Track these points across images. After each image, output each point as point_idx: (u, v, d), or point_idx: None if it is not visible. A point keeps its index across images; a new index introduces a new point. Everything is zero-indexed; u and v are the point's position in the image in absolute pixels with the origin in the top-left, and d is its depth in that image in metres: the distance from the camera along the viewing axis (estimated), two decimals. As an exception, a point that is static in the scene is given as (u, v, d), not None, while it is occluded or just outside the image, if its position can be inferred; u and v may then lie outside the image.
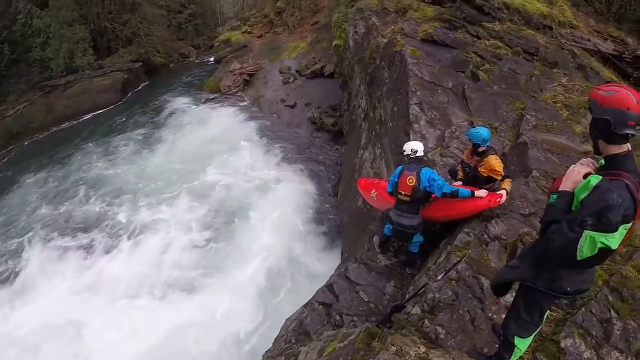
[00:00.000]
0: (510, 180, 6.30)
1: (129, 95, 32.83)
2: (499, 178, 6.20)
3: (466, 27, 12.37)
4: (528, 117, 9.22)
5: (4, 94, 30.53)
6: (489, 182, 6.33)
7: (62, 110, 30.11)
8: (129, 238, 15.13)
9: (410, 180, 6.18)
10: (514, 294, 3.65)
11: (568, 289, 3.12)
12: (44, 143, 27.15)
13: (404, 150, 6.57)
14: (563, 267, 3.07)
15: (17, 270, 14.63)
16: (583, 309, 4.56)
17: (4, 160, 25.89)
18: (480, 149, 6.28)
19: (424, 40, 11.87)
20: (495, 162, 6.14)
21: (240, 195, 16.95)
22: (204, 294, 12.03)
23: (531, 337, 3.62)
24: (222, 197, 17.01)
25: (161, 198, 17.39)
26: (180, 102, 28.60)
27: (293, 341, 6.97)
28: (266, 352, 7.66)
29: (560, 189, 3.01)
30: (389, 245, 7.64)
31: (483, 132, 6.20)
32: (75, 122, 29.49)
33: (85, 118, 29.83)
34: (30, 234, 16.68)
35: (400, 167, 6.48)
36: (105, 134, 26.06)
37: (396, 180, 6.40)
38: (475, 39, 12.18)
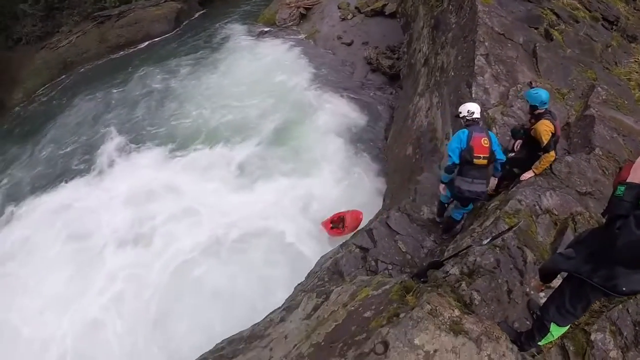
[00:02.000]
0: (551, 155, 5.96)
1: (182, 25, 32.70)
2: (542, 144, 5.88)
3: (544, -21, 11.44)
4: (599, 89, 8.58)
5: (57, 25, 31.22)
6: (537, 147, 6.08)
7: (115, 40, 30.61)
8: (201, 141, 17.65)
9: (485, 142, 5.83)
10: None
11: (624, 288, 2.96)
12: (100, 70, 28.26)
13: (460, 112, 6.22)
14: (623, 265, 2.91)
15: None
16: (620, 306, 4.45)
17: (59, 87, 27.32)
18: (537, 112, 5.95)
19: (497, -12, 11.10)
20: (542, 128, 5.79)
21: (292, 118, 17.95)
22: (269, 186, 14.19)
23: (567, 327, 3.59)
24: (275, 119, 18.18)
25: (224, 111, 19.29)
26: (235, 33, 28.24)
27: (326, 279, 7.25)
28: (299, 284, 8.00)
29: (629, 180, 2.76)
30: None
31: (541, 93, 5.87)
32: (129, 51, 30.15)
33: (138, 47, 30.34)
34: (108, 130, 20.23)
35: (464, 132, 5.95)
36: (161, 60, 26.77)
37: (465, 145, 5.85)
38: (553, -6, 11.27)
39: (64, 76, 28.48)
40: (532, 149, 6.15)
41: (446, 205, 7.12)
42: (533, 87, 6.30)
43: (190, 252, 12.33)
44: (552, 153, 5.92)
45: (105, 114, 22.15)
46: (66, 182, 17.37)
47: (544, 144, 5.80)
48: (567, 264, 3.28)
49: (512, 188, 6.25)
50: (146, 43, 30.51)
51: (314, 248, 11.59)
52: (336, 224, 12.09)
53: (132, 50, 30.08)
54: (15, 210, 16.59)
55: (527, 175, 6.13)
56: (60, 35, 30.69)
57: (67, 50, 29.69)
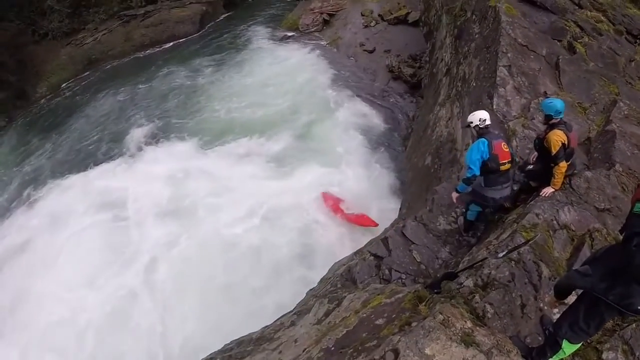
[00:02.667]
0: (562, 167, 5.81)
1: (207, 27, 33.25)
2: (552, 155, 5.79)
3: (568, -9, 11.36)
4: (621, 104, 8.44)
5: (83, 22, 31.97)
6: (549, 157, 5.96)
7: (140, 39, 31.32)
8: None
9: (505, 146, 5.90)
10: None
11: (639, 307, 2.94)
12: (125, 67, 29.05)
13: (471, 122, 6.13)
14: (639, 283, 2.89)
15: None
16: (634, 325, 4.37)
17: (84, 82, 28.14)
18: (552, 121, 5.85)
19: (522, -1, 11.05)
20: (553, 138, 5.69)
21: (316, 118, 18.51)
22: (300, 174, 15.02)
23: (579, 345, 3.56)
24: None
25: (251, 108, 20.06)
26: (258, 36, 28.63)
27: (339, 286, 7.27)
28: (310, 289, 8.05)
29: None
30: (476, 228, 7.32)
31: (556, 103, 5.79)
32: (153, 50, 30.85)
33: (163, 47, 31.02)
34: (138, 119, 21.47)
35: (483, 142, 5.86)
36: (186, 60, 27.44)
37: (488, 155, 5.81)
38: (576, 7, 11.05)
39: (88, 72, 29.26)
40: (547, 160, 6.04)
41: (474, 221, 7.07)
42: (548, 97, 6.14)
43: (230, 226, 13.10)
44: (564, 163, 5.79)
45: (132, 107, 22.97)
46: (98, 164, 18.31)
47: (553, 153, 5.70)
48: (583, 281, 3.25)
49: (530, 201, 6.19)
50: (171, 44, 31.16)
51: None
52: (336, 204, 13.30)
53: (156, 50, 30.77)
54: (50, 186, 17.59)
55: (548, 191, 5.99)
56: (86, 32, 31.45)
57: (92, 47, 30.46)
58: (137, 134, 19.82)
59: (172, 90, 23.71)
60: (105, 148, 19.71)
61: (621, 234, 2.97)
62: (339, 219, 13.01)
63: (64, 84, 28.38)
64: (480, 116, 6.03)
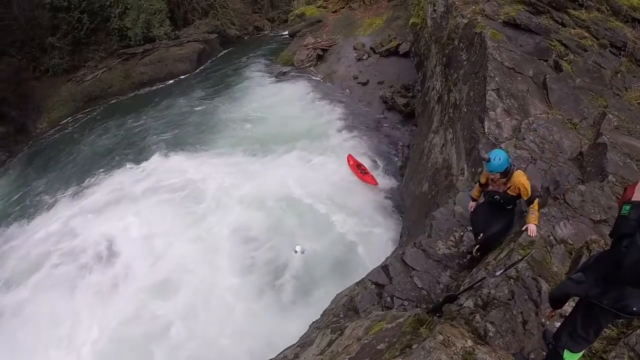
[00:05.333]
0: (538, 201, 5.62)
1: (205, 64, 34.38)
2: (525, 197, 5.61)
3: (551, 12, 11.49)
4: (610, 116, 8.55)
5: (83, 60, 33.29)
6: (518, 199, 5.82)
7: (139, 77, 32.41)
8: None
9: None
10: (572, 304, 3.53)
11: (634, 308, 2.90)
12: (125, 104, 29.93)
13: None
14: (633, 285, 2.86)
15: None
16: (639, 331, 4.29)
17: (85, 119, 28.92)
18: (504, 171, 5.58)
19: (506, 24, 11.20)
20: (523, 179, 5.57)
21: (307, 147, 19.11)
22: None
23: (581, 353, 3.49)
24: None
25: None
26: (255, 74, 29.51)
27: (341, 316, 7.19)
28: (314, 322, 7.96)
29: (633, 199, 2.77)
30: None
31: (502, 156, 5.48)
32: (152, 88, 31.88)
33: (162, 85, 32.00)
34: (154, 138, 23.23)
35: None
36: (185, 94, 28.62)
37: None
38: (559, 26, 11.30)
39: (88, 109, 30.11)
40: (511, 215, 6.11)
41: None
42: (489, 160, 5.54)
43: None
44: (536, 200, 5.60)
45: (128, 143, 23.78)
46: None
47: (530, 195, 5.55)
48: (576, 288, 3.23)
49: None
50: (170, 81, 32.21)
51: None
52: (360, 169, 16.94)
53: (155, 87, 31.80)
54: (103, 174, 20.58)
55: (534, 229, 5.50)
56: (86, 69, 32.67)
57: (92, 84, 31.53)
58: (131, 172, 20.44)
59: (170, 125, 24.59)
60: (101, 183, 20.29)
61: (611, 237, 2.98)
62: (352, 172, 16.83)
63: (64, 120, 29.12)
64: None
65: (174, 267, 13.88)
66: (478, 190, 6.39)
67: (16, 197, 21.26)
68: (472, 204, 6.63)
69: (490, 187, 6.01)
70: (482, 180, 6.18)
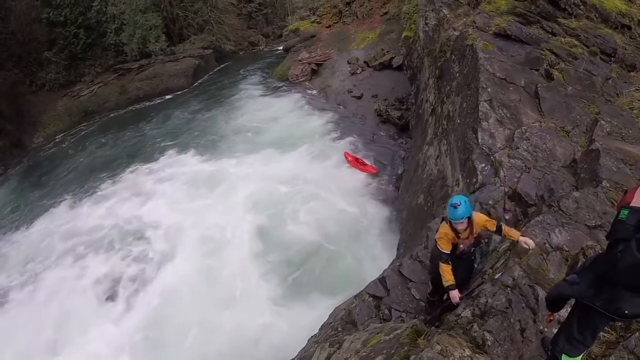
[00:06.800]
0: (503, 223, 5.37)
1: (200, 80, 34.64)
2: (493, 229, 5.28)
3: (541, 22, 11.67)
4: (602, 122, 8.63)
5: (79, 75, 33.67)
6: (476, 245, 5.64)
7: (135, 92, 32.70)
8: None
9: None
10: (569, 309, 3.51)
11: (626, 311, 2.89)
12: (121, 119, 30.18)
13: None
14: (626, 288, 2.85)
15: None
16: (637, 334, 4.26)
17: (81, 133, 29.06)
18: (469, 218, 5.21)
19: (497, 35, 11.34)
20: (483, 217, 5.38)
21: (302, 171, 18.87)
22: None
23: (579, 358, 3.46)
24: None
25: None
26: (250, 88, 29.82)
27: (339, 329, 7.17)
28: (312, 336, 7.92)
29: (632, 205, 2.77)
30: None
31: (463, 202, 5.08)
32: (148, 103, 32.10)
33: (159, 100, 32.20)
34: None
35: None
36: (182, 108, 29.11)
37: None
38: (550, 35, 11.47)
39: (85, 124, 30.23)
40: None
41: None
42: (455, 207, 5.04)
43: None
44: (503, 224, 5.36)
45: (125, 155, 24.09)
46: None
47: (494, 223, 5.30)
48: (570, 289, 3.23)
49: (522, 228, 6.19)
50: (169, 96, 32.51)
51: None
52: (358, 162, 18.20)
53: (151, 102, 32.05)
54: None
55: (529, 241, 5.10)
56: (82, 84, 32.98)
57: (88, 99, 31.81)
58: (129, 179, 21.13)
59: (167, 138, 25.03)
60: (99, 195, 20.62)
61: (607, 240, 2.98)
62: (353, 166, 18.06)
63: (60, 134, 29.23)
64: None
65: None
66: (448, 265, 5.37)
67: (16, 205, 21.64)
68: (455, 292, 5.34)
69: (461, 245, 5.43)
70: (448, 247, 5.35)
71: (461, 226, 5.17)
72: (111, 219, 17.92)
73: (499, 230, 5.26)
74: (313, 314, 10.52)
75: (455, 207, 5.01)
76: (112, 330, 12.73)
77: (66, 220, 18.76)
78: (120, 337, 12.40)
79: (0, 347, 12.98)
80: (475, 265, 6.39)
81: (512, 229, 5.34)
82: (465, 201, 5.07)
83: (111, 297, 14.05)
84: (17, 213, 20.84)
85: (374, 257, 13.29)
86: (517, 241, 5.15)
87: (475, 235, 5.39)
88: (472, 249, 5.73)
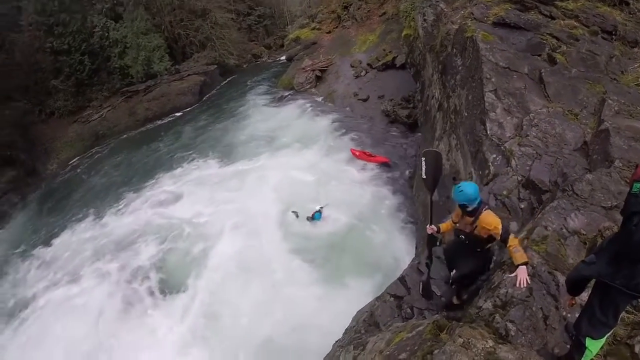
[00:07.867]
0: (514, 238, 4.87)
1: (207, 96, 35.16)
2: (498, 237, 4.94)
3: (538, 7, 11.59)
4: (610, 101, 8.49)
5: (87, 100, 34.24)
6: (490, 242, 5.30)
7: (144, 113, 33.16)
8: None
9: None
10: (589, 292, 3.47)
11: None
12: (133, 140, 30.68)
13: None
14: None
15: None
16: None
17: (95, 157, 29.57)
18: (470, 209, 5.09)
19: (496, 24, 11.29)
20: (491, 219, 4.99)
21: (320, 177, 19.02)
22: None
23: (603, 339, 3.42)
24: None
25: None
26: (258, 99, 30.21)
27: (363, 331, 7.13)
28: (336, 341, 7.91)
29: None
30: None
31: (467, 189, 5.00)
32: (159, 122, 32.61)
33: (169, 119, 32.68)
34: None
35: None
36: (193, 124, 29.58)
37: None
38: (549, 19, 11.38)
39: (97, 147, 30.74)
40: (483, 255, 5.54)
41: None
42: (457, 183, 5.17)
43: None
44: (512, 236, 4.89)
45: (142, 174, 24.24)
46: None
47: (501, 233, 4.87)
48: (589, 269, 3.22)
49: (537, 215, 6.15)
50: (177, 114, 32.94)
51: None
52: (367, 154, 18.80)
53: (160, 122, 32.52)
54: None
55: (523, 275, 4.66)
56: (91, 109, 33.51)
57: (98, 123, 32.30)
58: (154, 187, 21.76)
59: (183, 149, 25.62)
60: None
61: (622, 216, 2.96)
62: (362, 159, 18.76)
63: (74, 160, 29.75)
64: None
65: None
66: (448, 225, 5.68)
67: (38, 228, 21.97)
68: (431, 227, 5.74)
69: (458, 224, 5.48)
70: (455, 218, 5.54)
71: (457, 211, 5.35)
72: (143, 221, 18.61)
73: (503, 242, 4.88)
74: (350, 296, 11.37)
75: (459, 189, 5.05)
76: (170, 322, 13.25)
77: (97, 230, 19.41)
78: (180, 327, 12.96)
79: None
80: (494, 258, 6.32)
81: (521, 250, 4.75)
82: (465, 189, 5.00)
83: (163, 290, 14.73)
84: (54, 220, 21.65)
85: (392, 256, 13.34)
86: (515, 265, 4.73)
87: (473, 228, 5.21)
88: (470, 240, 5.38)
